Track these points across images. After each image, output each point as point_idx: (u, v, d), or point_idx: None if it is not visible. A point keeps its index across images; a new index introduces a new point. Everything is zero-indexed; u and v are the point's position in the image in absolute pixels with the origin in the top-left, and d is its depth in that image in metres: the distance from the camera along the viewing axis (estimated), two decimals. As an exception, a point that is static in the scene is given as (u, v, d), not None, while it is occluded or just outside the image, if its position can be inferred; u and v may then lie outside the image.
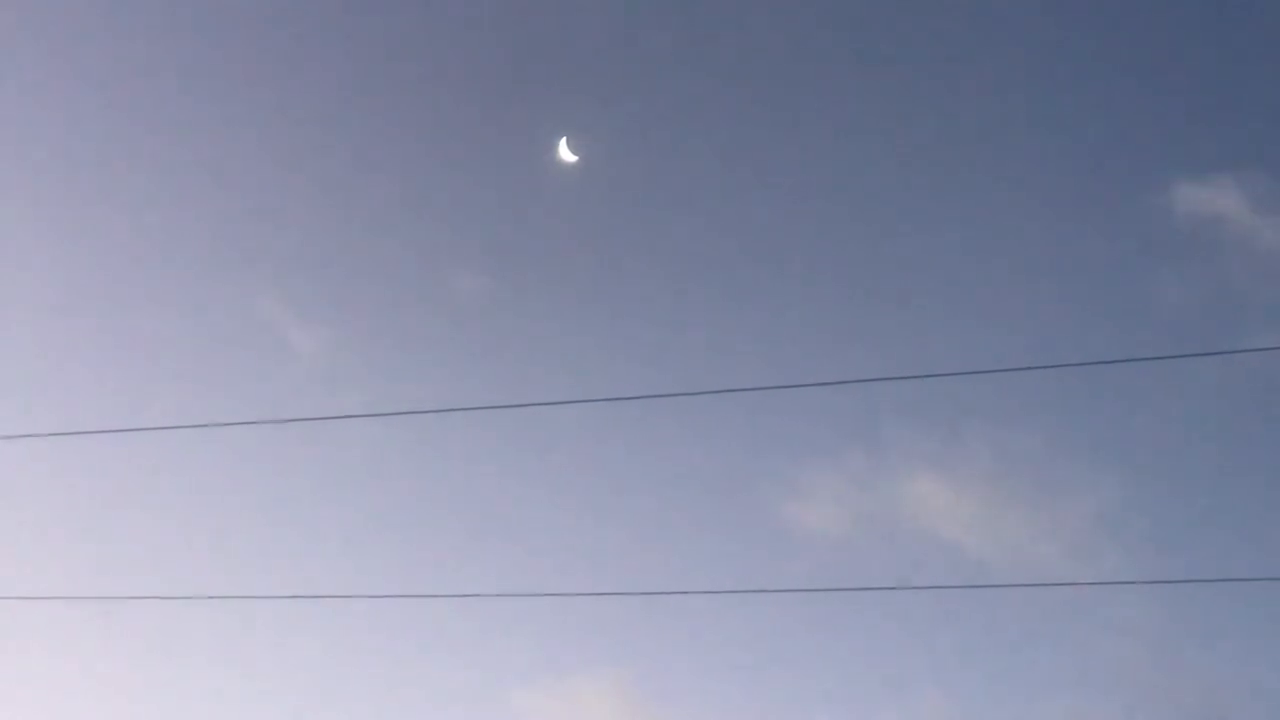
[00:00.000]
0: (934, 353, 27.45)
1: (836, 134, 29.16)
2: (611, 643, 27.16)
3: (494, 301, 29.47)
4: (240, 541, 28.35)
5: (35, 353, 29.26)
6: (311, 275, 29.89)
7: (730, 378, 26.39)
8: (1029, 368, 19.74)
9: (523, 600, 23.94)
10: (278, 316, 29.24)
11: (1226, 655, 26.20)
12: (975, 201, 28.85)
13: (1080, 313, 28.01)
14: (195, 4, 30.17)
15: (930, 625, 26.49)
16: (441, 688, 27.47)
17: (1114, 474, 27.37)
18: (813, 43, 29.29)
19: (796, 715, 26.12)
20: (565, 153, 28.60)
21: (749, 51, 29.36)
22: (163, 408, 27.62)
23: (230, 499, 28.74)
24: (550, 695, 26.73)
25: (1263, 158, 27.73)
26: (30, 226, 29.76)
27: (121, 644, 27.31)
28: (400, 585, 27.02)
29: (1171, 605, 25.10)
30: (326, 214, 29.99)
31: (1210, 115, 28.15)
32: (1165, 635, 26.13)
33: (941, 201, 28.82)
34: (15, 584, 23.53)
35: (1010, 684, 26.72)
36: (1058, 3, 28.71)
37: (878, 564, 26.59)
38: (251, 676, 27.46)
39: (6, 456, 22.66)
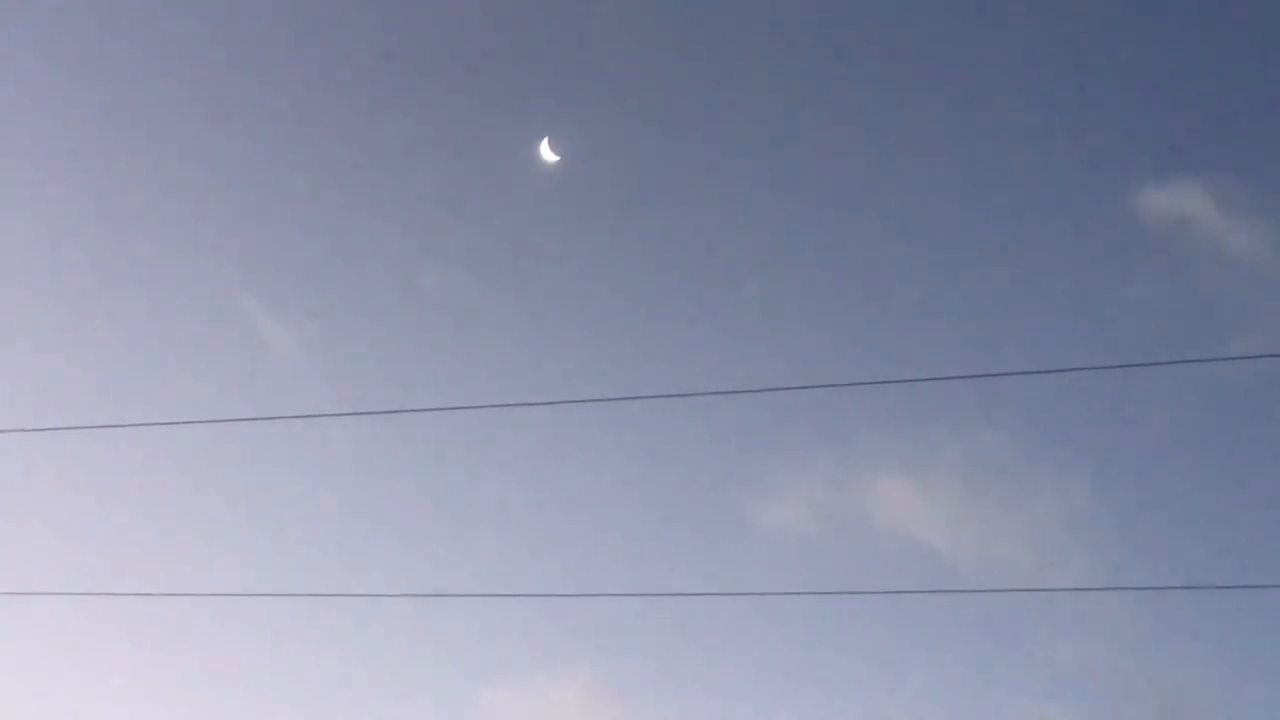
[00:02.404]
0: (904, 356, 27.58)
1: (812, 138, 29.25)
2: (580, 643, 27.26)
3: (472, 301, 29.53)
4: (210, 538, 28.41)
5: (7, 348, 29.30)
6: (288, 272, 29.94)
7: (701, 380, 26.61)
8: (999, 374, 19.86)
9: (491, 600, 24.05)
10: (252, 312, 29.28)
11: (1195, 660, 26.36)
12: (945, 206, 28.95)
13: (1049, 317, 28.14)
14: (174, 1, 30.23)
15: (899, 628, 26.63)
16: (409, 686, 27.56)
17: (1084, 478, 27.50)
18: (792, 46, 29.39)
19: (763, 716, 26.25)
20: (547, 153, 28.66)
21: (731, 53, 29.44)
22: (134, 404, 27.68)
23: (200, 496, 28.77)
24: (518, 695, 26.82)
25: (1232, 161, 27.86)
26: (2, 222, 29.80)
27: (91, 639, 27.38)
28: (369, 583, 27.09)
29: (1140, 610, 25.24)
30: (304, 210, 30.01)
31: (1179, 118, 28.25)
32: (1134, 640, 26.29)
33: (911, 206, 28.92)
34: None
35: (979, 687, 26.87)
36: (1025, 7, 28.82)
37: (847, 566, 26.73)
38: (217, 672, 27.53)
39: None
